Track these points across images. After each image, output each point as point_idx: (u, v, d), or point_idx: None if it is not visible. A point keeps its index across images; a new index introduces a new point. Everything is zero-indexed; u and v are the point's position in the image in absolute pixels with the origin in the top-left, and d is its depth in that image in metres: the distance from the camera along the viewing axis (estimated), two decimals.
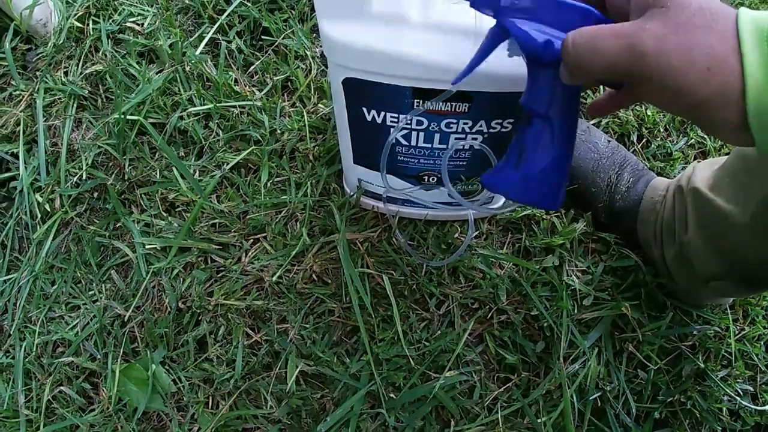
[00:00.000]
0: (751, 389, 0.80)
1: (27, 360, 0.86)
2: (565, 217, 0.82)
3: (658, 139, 0.93)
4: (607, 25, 0.38)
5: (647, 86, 0.37)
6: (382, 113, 0.62)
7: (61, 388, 0.82)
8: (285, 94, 0.90)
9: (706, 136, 0.94)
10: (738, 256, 0.64)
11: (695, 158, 0.93)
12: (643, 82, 0.37)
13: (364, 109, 0.62)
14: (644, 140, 0.93)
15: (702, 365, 0.78)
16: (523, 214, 0.81)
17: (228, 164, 0.83)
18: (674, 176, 0.85)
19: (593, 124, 0.90)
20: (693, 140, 0.93)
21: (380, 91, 0.58)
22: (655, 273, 0.80)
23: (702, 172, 0.70)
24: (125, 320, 0.83)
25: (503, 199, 0.81)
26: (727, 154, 0.69)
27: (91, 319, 0.86)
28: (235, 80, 0.90)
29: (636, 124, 0.92)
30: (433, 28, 0.53)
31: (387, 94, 0.58)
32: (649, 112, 0.93)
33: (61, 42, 1.02)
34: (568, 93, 0.46)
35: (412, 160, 0.69)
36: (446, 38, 0.53)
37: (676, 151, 0.91)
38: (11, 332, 0.89)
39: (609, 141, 0.85)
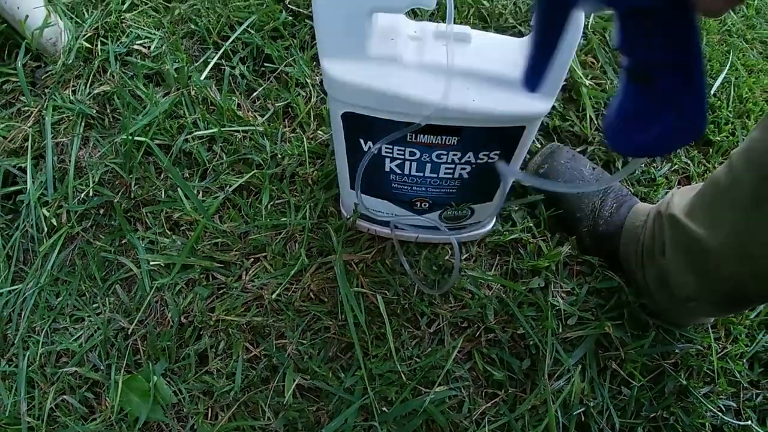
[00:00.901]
0: (734, 405, 0.82)
1: (30, 369, 0.87)
2: (551, 240, 0.84)
3: (642, 165, 0.95)
4: None
5: None
6: (378, 144, 0.64)
7: (64, 397, 0.83)
8: (286, 120, 0.92)
9: (690, 161, 0.96)
10: (711, 279, 0.66)
11: (678, 183, 0.95)
12: None
13: (361, 140, 0.65)
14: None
15: (684, 382, 0.80)
16: (511, 238, 0.83)
17: (231, 186, 0.85)
18: (657, 201, 0.87)
19: (579, 152, 0.92)
20: (677, 166, 0.95)
21: (377, 124, 0.61)
22: (637, 294, 0.81)
23: (679, 198, 0.72)
24: (128, 333, 0.84)
25: (492, 224, 0.83)
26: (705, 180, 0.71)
27: (95, 331, 0.87)
28: (238, 105, 0.92)
29: None
30: (425, 69, 0.55)
31: (383, 127, 0.61)
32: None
33: (70, 61, 1.03)
34: None
35: (405, 187, 0.71)
36: (437, 78, 0.55)
37: (660, 176, 0.94)
38: (15, 341, 0.90)
39: (594, 168, 0.87)
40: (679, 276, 0.71)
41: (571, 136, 0.97)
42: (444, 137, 0.61)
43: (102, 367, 0.84)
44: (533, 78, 0.38)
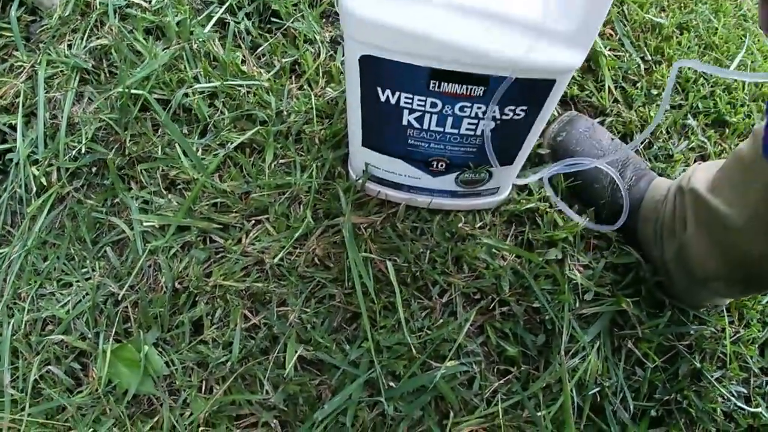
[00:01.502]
0: (745, 391, 0.76)
1: (14, 338, 0.80)
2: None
3: (660, 140, 0.89)
4: None
5: None
6: (397, 93, 0.58)
7: (49, 367, 0.76)
8: (293, 77, 0.85)
9: (706, 140, 0.90)
10: (734, 257, 0.62)
11: (695, 161, 0.89)
12: None
13: (379, 89, 0.58)
14: (646, 141, 0.89)
15: (698, 365, 0.75)
16: (527, 207, 0.77)
17: (232, 143, 0.77)
18: (675, 177, 0.81)
19: (598, 122, 0.86)
20: (694, 143, 0.89)
21: (397, 70, 0.54)
22: (654, 271, 0.76)
23: (702, 174, 0.67)
24: (119, 299, 0.77)
25: (508, 191, 0.77)
26: (725, 157, 0.66)
27: (83, 297, 0.80)
28: (243, 60, 0.85)
29: (639, 124, 0.88)
30: (455, 9, 0.49)
31: (404, 73, 0.54)
32: (652, 113, 0.89)
33: (66, 15, 0.96)
34: None
35: (423, 144, 0.65)
36: (467, 20, 0.49)
37: (677, 153, 0.88)
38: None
39: (612, 139, 0.82)
40: (700, 254, 0.66)
41: (588, 107, 0.90)
42: (470, 87, 0.55)
43: (90, 336, 0.77)
44: None
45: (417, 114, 0.60)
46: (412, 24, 0.48)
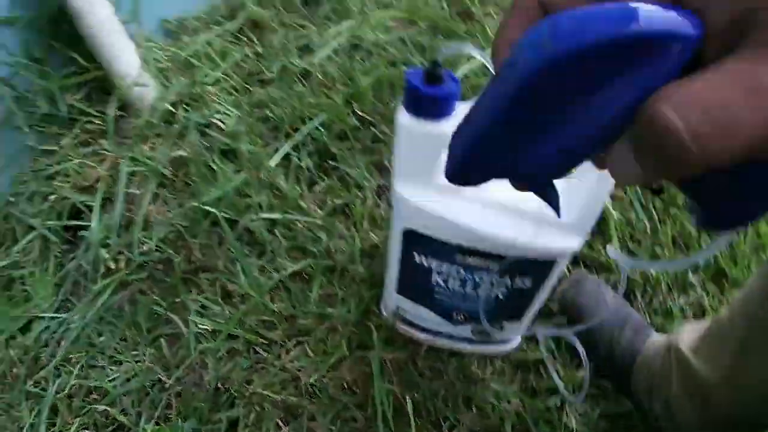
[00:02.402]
0: None
1: (57, 396, 0.88)
2: (570, 362, 0.88)
3: (660, 296, 0.98)
4: (726, 72, 0.18)
5: None
6: (430, 259, 0.72)
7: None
8: (342, 217, 0.97)
9: (704, 294, 0.98)
10: (713, 415, 0.68)
11: (694, 316, 0.98)
12: None
13: (415, 254, 0.72)
14: (648, 296, 0.98)
15: None
16: (533, 357, 0.87)
17: (286, 270, 0.88)
18: (672, 332, 0.90)
19: (604, 280, 0.96)
20: (692, 299, 0.97)
21: (432, 244, 0.68)
22: (645, 422, 0.84)
23: (687, 334, 0.75)
24: (165, 386, 0.87)
25: (517, 341, 0.87)
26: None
27: (132, 377, 0.89)
28: (301, 195, 0.96)
29: (642, 282, 0.98)
30: (480, 202, 0.63)
31: (437, 247, 0.68)
32: (652, 272, 0.98)
33: (153, 120, 1.08)
34: None
35: (447, 299, 0.78)
36: (488, 211, 0.63)
37: (676, 309, 0.96)
38: (47, 365, 0.91)
39: (615, 296, 0.91)
40: (684, 411, 0.74)
41: (595, 265, 1.01)
42: (488, 261, 0.68)
43: (132, 413, 0.86)
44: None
45: (444, 276, 0.73)
46: (447, 213, 0.62)
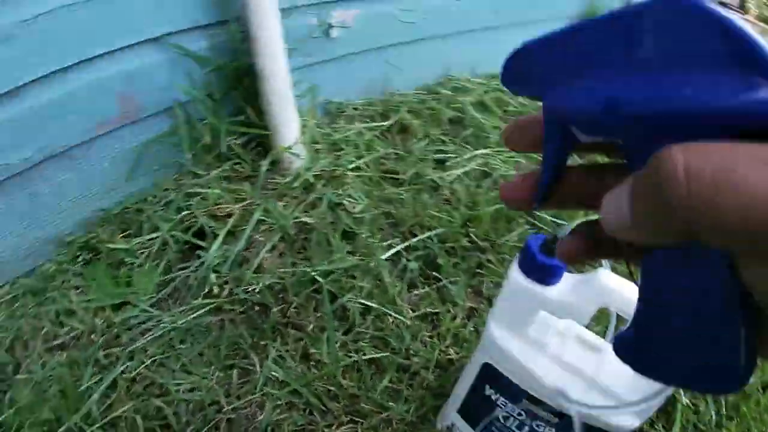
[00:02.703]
0: None
1: (122, 375, 0.98)
2: None
3: None
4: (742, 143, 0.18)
5: None
6: (498, 396, 0.77)
7: (136, 416, 0.92)
8: (430, 325, 1.05)
9: None
10: None
11: None
12: None
13: (487, 386, 0.78)
14: None
15: None
16: None
17: (364, 355, 0.97)
18: None
19: None
20: None
21: (505, 383, 0.74)
22: None
23: None
24: (221, 409, 0.95)
25: None
26: None
27: (195, 389, 0.97)
28: (399, 293, 1.06)
29: None
30: (558, 362, 0.69)
31: (509, 387, 0.74)
32: None
33: (295, 184, 1.23)
34: None
35: None
36: (566, 374, 0.68)
37: None
38: (124, 347, 1.02)
39: None
40: None
41: None
42: (550, 415, 0.73)
43: (182, 420, 0.94)
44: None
45: (506, 414, 0.78)
46: (528, 363, 0.69)
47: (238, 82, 1.32)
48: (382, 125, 1.52)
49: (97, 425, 0.91)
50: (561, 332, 0.73)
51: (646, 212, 0.19)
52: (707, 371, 0.25)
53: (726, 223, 0.17)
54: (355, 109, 1.58)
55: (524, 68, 0.27)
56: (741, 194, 0.17)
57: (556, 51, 0.25)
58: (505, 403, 0.78)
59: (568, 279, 0.67)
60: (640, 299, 0.27)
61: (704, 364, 0.25)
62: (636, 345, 0.27)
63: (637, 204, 0.20)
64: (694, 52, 0.20)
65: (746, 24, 0.19)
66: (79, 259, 1.19)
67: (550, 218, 1.30)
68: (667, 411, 1.06)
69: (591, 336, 0.72)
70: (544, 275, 0.65)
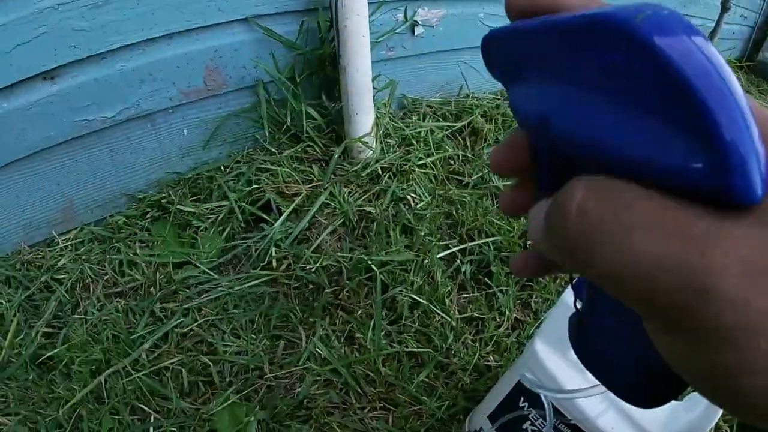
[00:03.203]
0: None
1: (174, 330, 1.06)
2: None
3: None
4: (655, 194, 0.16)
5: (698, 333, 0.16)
6: (530, 409, 0.80)
7: (181, 368, 1.00)
8: (475, 329, 1.08)
9: None
10: None
11: None
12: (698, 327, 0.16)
13: (522, 398, 0.81)
14: None
15: None
16: None
17: (407, 347, 1.01)
18: None
19: None
20: None
21: (541, 398, 0.75)
22: None
23: None
24: (262, 375, 1.01)
25: None
26: None
27: (242, 353, 1.04)
28: (449, 293, 1.09)
29: None
30: (601, 396, 0.69)
31: (541, 402, 0.75)
32: None
33: (362, 174, 1.28)
34: None
35: None
36: (603, 404, 0.70)
37: None
38: (180, 304, 1.09)
39: None
40: None
41: None
42: None
43: (225, 379, 1.00)
44: None
45: (536, 429, 0.80)
46: (565, 382, 0.71)
47: (320, 68, 1.38)
48: (454, 126, 1.55)
49: (144, 372, 1.00)
50: None
51: (552, 237, 0.19)
52: (629, 384, 0.26)
53: (602, 275, 0.17)
54: (429, 107, 1.61)
55: (493, 56, 0.26)
56: (618, 251, 0.16)
57: (519, 45, 0.23)
58: (537, 417, 0.80)
59: None
60: (585, 300, 0.28)
61: (626, 375, 0.25)
62: (577, 336, 0.29)
63: (547, 227, 0.19)
64: (630, 85, 0.17)
65: (701, 63, 0.15)
66: (148, 215, 1.28)
67: None
68: None
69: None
70: None
